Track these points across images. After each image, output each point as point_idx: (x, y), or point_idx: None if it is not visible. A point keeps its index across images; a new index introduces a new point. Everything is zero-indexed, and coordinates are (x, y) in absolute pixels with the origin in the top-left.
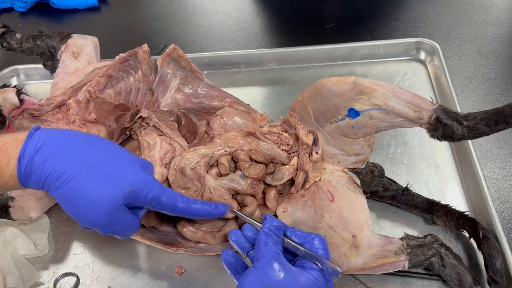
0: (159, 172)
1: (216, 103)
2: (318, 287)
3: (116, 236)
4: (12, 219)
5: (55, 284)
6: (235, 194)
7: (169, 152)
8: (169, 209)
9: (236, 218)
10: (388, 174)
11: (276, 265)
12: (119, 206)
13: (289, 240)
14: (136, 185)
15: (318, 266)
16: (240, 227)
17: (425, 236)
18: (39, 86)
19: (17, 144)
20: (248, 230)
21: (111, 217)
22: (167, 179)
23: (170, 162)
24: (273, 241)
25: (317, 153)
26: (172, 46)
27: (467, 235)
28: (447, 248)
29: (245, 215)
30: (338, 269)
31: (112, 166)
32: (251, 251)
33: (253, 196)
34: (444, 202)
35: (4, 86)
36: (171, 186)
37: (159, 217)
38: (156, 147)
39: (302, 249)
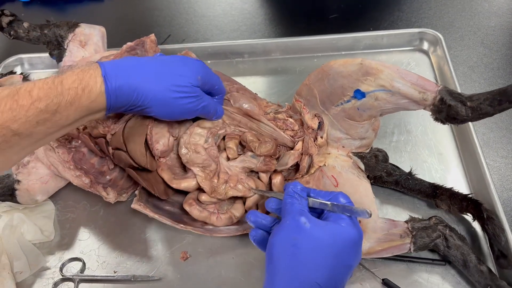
0: (166, 137)
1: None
2: (346, 232)
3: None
4: (18, 203)
5: (61, 269)
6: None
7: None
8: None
9: (242, 200)
10: (391, 162)
11: (302, 219)
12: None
13: (314, 199)
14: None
15: (347, 215)
16: (245, 210)
17: (429, 218)
18: (43, 75)
19: (95, 66)
20: (271, 203)
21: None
22: (177, 156)
23: (177, 137)
24: (298, 202)
25: (322, 137)
26: (184, 52)
27: (469, 219)
28: (452, 229)
29: (266, 190)
30: (366, 210)
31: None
32: (274, 226)
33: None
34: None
35: (11, 73)
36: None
37: (164, 188)
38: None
39: (329, 203)
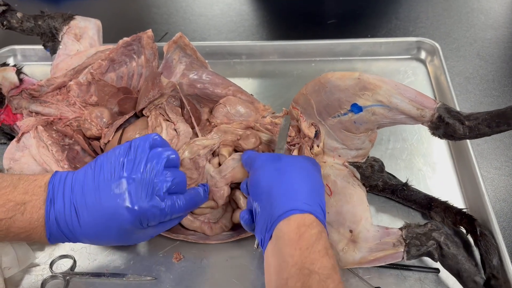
0: None
1: (219, 91)
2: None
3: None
4: None
5: (51, 266)
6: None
7: (174, 138)
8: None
9: (233, 210)
10: (387, 169)
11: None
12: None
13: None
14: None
15: None
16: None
17: (425, 224)
18: (36, 67)
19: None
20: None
21: None
22: None
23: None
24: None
25: (318, 146)
26: (179, 34)
27: (464, 231)
28: (447, 237)
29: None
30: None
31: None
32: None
33: None
34: (442, 199)
35: (4, 64)
36: None
37: None
38: (162, 133)
39: None
